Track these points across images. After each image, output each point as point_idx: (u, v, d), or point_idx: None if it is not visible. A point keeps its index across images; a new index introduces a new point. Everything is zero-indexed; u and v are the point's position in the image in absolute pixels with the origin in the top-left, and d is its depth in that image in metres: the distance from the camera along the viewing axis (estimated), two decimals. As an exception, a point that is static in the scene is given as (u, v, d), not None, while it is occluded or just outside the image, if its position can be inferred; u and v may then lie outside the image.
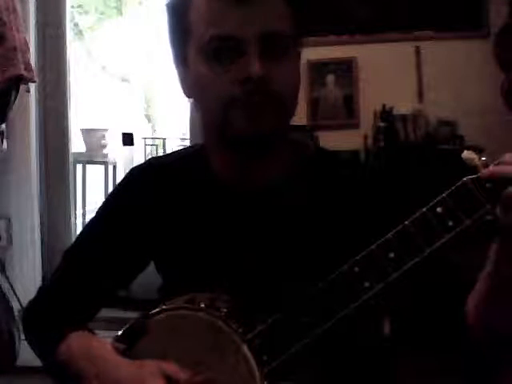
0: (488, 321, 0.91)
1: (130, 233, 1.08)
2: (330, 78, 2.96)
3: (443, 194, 0.83)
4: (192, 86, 0.98)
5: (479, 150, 0.86)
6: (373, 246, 0.87)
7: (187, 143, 4.06)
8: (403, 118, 2.82)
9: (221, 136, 0.97)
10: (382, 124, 2.81)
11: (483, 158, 0.83)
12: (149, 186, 1.09)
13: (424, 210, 0.84)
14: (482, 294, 0.90)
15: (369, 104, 2.88)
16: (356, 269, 0.88)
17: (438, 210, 0.83)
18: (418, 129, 2.82)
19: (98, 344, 1.02)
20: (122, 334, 1.00)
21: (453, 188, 0.83)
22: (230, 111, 0.92)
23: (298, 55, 0.99)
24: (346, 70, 2.95)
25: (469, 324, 0.93)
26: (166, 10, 0.98)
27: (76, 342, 1.03)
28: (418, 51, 2.87)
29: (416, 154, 2.72)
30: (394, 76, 2.87)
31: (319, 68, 2.91)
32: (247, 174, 1.01)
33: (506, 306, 0.88)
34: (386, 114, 2.81)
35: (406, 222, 0.85)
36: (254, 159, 0.99)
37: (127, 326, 1.00)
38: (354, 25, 2.92)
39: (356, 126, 2.93)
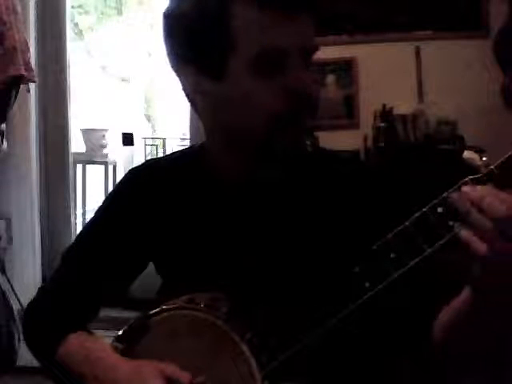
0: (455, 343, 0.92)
1: (129, 234, 1.08)
2: (330, 78, 2.96)
3: (444, 194, 0.83)
4: (229, 97, 0.93)
5: (480, 151, 0.86)
6: (373, 246, 0.87)
7: (187, 143, 4.06)
8: (403, 118, 2.82)
9: (256, 147, 0.95)
10: (382, 124, 2.81)
11: (484, 158, 0.83)
12: (147, 186, 1.09)
13: (424, 209, 0.84)
14: (457, 319, 0.89)
15: (369, 104, 2.88)
16: (356, 269, 0.88)
17: (439, 209, 0.83)
18: (418, 129, 2.82)
19: (97, 345, 1.02)
20: (121, 333, 1.00)
21: (454, 188, 0.83)
22: (276, 125, 0.91)
23: None
24: (345, 69, 2.95)
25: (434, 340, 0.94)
26: (195, 20, 0.92)
27: (75, 343, 1.03)
28: (417, 51, 2.87)
29: (416, 153, 2.72)
30: (393, 76, 2.88)
31: (319, 68, 2.91)
32: (251, 175, 1.00)
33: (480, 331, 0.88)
34: (385, 114, 2.81)
35: (407, 222, 0.85)
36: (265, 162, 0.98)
37: (127, 325, 1.00)
38: (353, 24, 2.92)
39: (356, 126, 2.93)
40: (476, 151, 0.85)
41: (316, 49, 0.95)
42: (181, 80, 1.00)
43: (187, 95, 1.01)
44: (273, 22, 0.89)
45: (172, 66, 1.00)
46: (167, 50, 0.99)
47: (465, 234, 0.79)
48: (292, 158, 0.95)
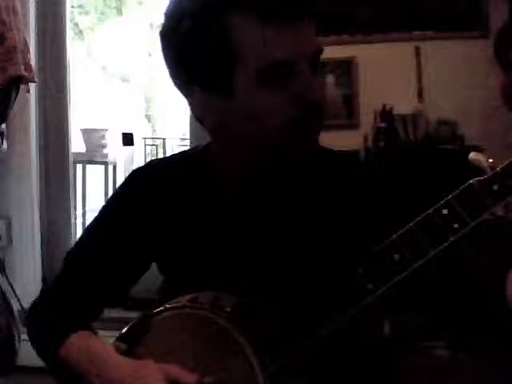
0: None
1: (133, 234, 1.08)
2: (330, 78, 2.96)
3: (449, 196, 0.83)
4: (240, 112, 0.92)
5: (478, 150, 0.86)
6: (377, 248, 0.86)
7: (187, 143, 4.06)
8: (403, 118, 2.83)
9: (269, 153, 0.93)
10: (381, 124, 2.81)
11: (490, 160, 0.83)
12: (151, 187, 1.08)
13: (430, 211, 0.84)
14: None
15: (369, 104, 2.88)
16: (360, 270, 0.87)
17: (444, 211, 0.83)
18: (418, 129, 2.82)
19: (99, 344, 1.02)
20: (124, 333, 1.00)
21: (459, 190, 0.83)
22: (288, 131, 0.90)
23: None
24: (345, 69, 2.95)
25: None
26: (193, 39, 0.90)
27: (77, 342, 1.03)
28: (418, 51, 2.87)
29: (416, 154, 2.72)
30: (393, 76, 2.87)
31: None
32: (263, 178, 1.00)
33: None
34: (385, 114, 2.82)
35: (411, 224, 0.84)
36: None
37: (130, 325, 1.00)
38: (353, 25, 2.92)
39: (356, 126, 2.93)
40: (475, 151, 0.85)
41: (321, 52, 0.93)
42: (187, 100, 0.99)
43: (195, 115, 1.00)
44: (275, 31, 0.87)
45: (176, 86, 0.99)
46: (169, 71, 0.98)
47: None
48: (303, 160, 0.94)
